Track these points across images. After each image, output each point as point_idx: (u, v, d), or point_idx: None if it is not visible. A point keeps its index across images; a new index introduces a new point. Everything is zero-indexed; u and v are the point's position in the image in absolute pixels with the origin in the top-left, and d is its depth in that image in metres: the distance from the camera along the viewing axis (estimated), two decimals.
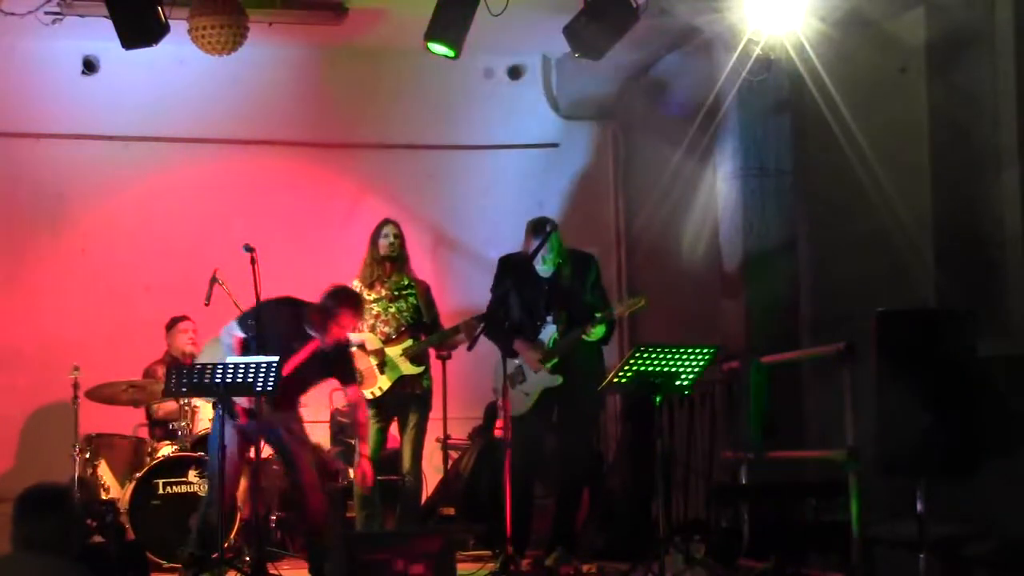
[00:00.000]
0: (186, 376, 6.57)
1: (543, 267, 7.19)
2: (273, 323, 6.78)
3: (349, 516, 7.96)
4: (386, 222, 7.72)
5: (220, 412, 6.75)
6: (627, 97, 10.11)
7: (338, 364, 7.00)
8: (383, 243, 7.64)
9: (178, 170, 9.51)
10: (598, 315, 7.05)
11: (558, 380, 7.13)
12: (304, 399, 8.00)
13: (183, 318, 8.52)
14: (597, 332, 7.07)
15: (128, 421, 8.46)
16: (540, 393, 7.17)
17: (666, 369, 6.52)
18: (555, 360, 7.15)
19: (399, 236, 7.67)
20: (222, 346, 6.97)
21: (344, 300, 6.83)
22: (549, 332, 7.20)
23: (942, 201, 8.04)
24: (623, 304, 7.22)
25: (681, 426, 8.37)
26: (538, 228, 7.17)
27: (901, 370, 5.72)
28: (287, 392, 6.79)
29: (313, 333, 6.82)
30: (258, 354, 6.57)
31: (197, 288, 7.71)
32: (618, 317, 7.26)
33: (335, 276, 7.93)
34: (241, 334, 6.84)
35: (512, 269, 7.23)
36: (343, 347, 7.02)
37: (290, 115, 9.69)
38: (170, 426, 8.04)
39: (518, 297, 7.21)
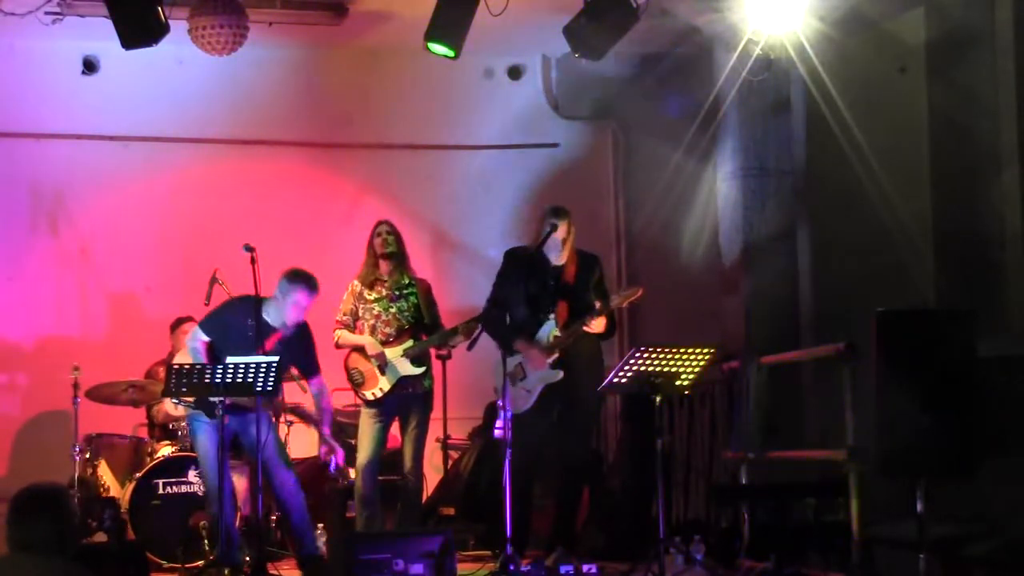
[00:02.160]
0: (186, 377, 6.58)
1: (554, 255, 7.18)
2: (236, 322, 6.95)
3: (349, 516, 7.96)
4: (381, 222, 7.71)
5: (196, 417, 6.94)
6: (627, 97, 10.11)
7: (300, 351, 7.10)
8: (377, 241, 7.62)
9: (178, 170, 9.51)
10: (598, 306, 7.05)
11: (559, 375, 7.11)
12: (304, 398, 8.05)
13: (188, 319, 8.48)
14: (598, 324, 7.05)
15: (128, 421, 8.46)
16: (541, 389, 7.15)
17: (666, 369, 6.52)
18: (557, 355, 7.14)
19: (392, 234, 7.63)
20: (192, 353, 7.07)
21: (295, 280, 6.95)
22: (548, 328, 7.18)
23: (942, 201, 8.04)
24: (619, 295, 7.21)
25: (681, 426, 8.38)
26: (548, 216, 7.18)
27: (901, 370, 5.71)
28: None
29: (272, 322, 6.96)
30: (226, 354, 6.72)
31: (197, 288, 7.72)
32: (616, 308, 7.25)
33: (335, 276, 7.95)
34: (206, 338, 7.00)
35: (518, 263, 7.23)
36: (305, 332, 7.11)
37: (290, 115, 9.69)
38: (170, 426, 8.04)
39: (524, 291, 7.19)
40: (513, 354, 7.06)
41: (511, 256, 7.33)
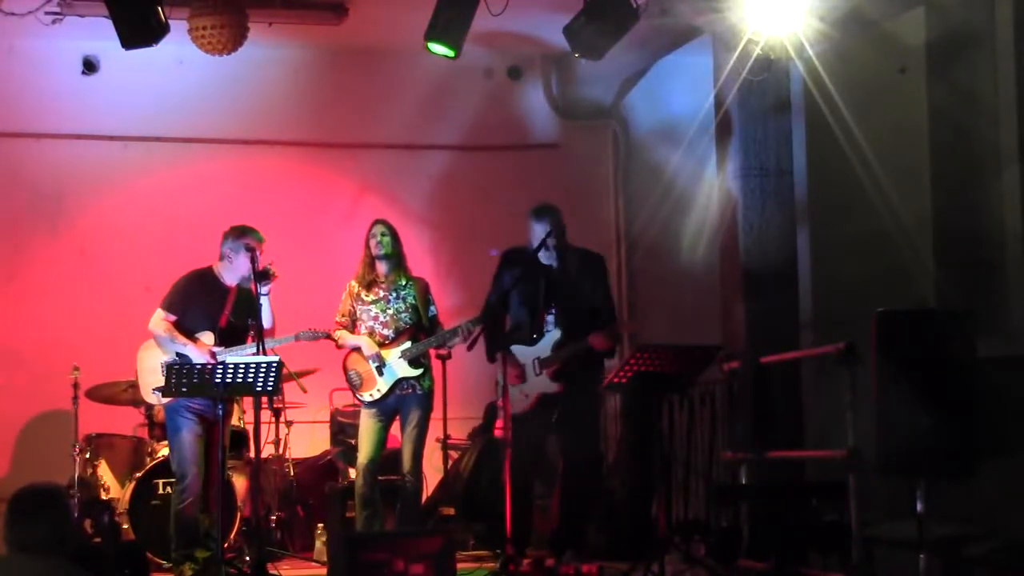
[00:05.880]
0: (186, 376, 6.58)
1: (545, 253, 7.19)
2: (195, 294, 7.21)
3: (349, 516, 7.96)
4: (376, 222, 7.67)
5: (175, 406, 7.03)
6: (627, 97, 10.11)
7: (253, 308, 7.13)
8: (372, 243, 7.59)
9: (178, 170, 9.51)
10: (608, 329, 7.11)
11: (553, 387, 7.11)
12: (304, 398, 8.05)
13: None
14: (598, 342, 7.04)
15: (128, 421, 8.44)
16: (538, 396, 7.16)
17: (666, 369, 6.52)
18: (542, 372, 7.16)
19: (387, 235, 7.59)
20: (160, 342, 7.22)
21: (241, 233, 7.22)
22: (549, 339, 7.17)
23: (942, 201, 8.05)
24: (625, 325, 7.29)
25: (681, 426, 8.36)
26: (539, 215, 7.18)
27: (901, 370, 5.72)
28: (230, 342, 7.20)
29: (229, 282, 7.25)
30: (190, 327, 7.16)
31: None
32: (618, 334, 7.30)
33: (335, 275, 7.97)
34: (173, 316, 7.19)
35: (513, 263, 7.23)
36: (251, 294, 7.16)
37: (290, 115, 9.69)
38: None
39: (519, 294, 7.19)
40: (494, 360, 7.15)
41: (504, 256, 7.34)
